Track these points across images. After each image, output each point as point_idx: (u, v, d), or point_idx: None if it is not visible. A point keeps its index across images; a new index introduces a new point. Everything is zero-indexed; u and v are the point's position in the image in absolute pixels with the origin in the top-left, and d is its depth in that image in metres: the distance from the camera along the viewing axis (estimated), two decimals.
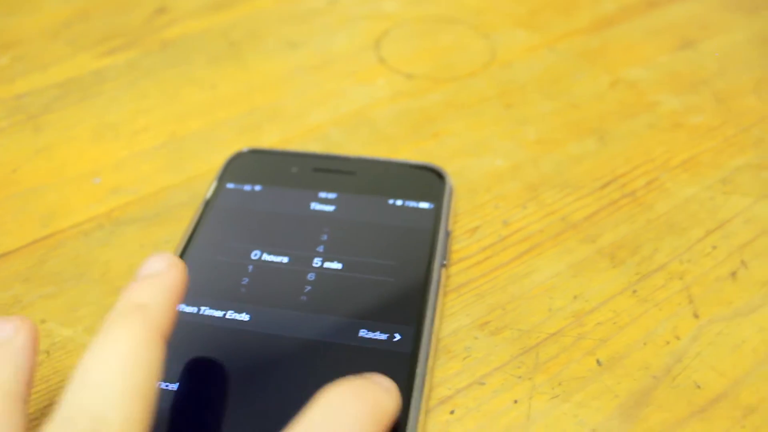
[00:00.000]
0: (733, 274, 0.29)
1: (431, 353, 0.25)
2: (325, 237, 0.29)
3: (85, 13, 0.47)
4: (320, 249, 0.28)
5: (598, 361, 0.26)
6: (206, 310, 0.26)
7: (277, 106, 0.39)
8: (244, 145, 0.35)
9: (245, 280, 0.27)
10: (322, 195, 0.31)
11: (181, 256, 0.28)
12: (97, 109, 0.39)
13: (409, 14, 0.47)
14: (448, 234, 0.29)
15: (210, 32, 0.45)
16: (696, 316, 0.28)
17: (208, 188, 0.32)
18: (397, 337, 0.25)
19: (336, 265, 0.28)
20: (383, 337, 0.25)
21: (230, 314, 0.26)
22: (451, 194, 0.31)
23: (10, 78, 0.41)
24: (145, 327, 0.19)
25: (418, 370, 0.24)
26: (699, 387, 0.25)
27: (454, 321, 0.28)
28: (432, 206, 0.30)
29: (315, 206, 0.30)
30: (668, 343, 0.27)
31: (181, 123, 0.38)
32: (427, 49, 0.43)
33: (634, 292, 0.29)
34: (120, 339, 0.19)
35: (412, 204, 0.30)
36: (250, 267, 0.28)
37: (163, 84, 0.41)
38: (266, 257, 0.28)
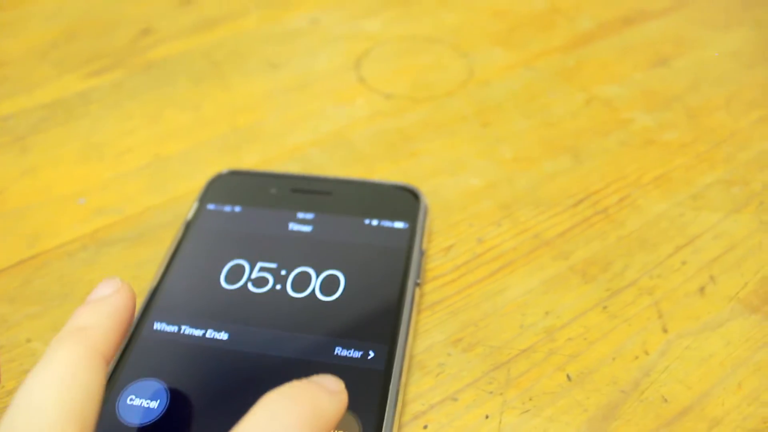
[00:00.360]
0: (702, 289, 0.30)
1: (405, 370, 0.26)
2: (302, 257, 0.30)
3: (70, 35, 0.47)
4: (298, 269, 0.29)
5: (568, 376, 0.27)
6: (186, 329, 0.27)
7: (258, 126, 0.40)
8: (225, 165, 0.36)
9: (224, 300, 0.28)
10: (300, 215, 0.31)
11: (163, 276, 0.29)
12: (83, 130, 0.39)
13: (389, 34, 0.47)
14: (422, 253, 0.30)
15: (193, 53, 0.46)
16: (665, 330, 0.28)
17: (189, 209, 0.32)
18: (372, 354, 0.26)
19: (313, 285, 0.29)
20: (357, 354, 0.26)
21: (210, 333, 0.27)
22: (425, 214, 0.31)
23: None
24: (86, 348, 0.19)
25: (392, 387, 0.25)
26: (666, 401, 0.26)
27: (427, 338, 0.28)
28: (407, 226, 0.31)
29: (293, 226, 0.31)
30: (637, 357, 0.28)
31: (164, 144, 0.38)
32: (407, 68, 0.44)
33: (605, 308, 0.29)
34: (58, 361, 0.19)
35: (387, 224, 0.31)
36: (230, 287, 0.29)
37: (147, 105, 0.41)
38: (245, 277, 0.29)
